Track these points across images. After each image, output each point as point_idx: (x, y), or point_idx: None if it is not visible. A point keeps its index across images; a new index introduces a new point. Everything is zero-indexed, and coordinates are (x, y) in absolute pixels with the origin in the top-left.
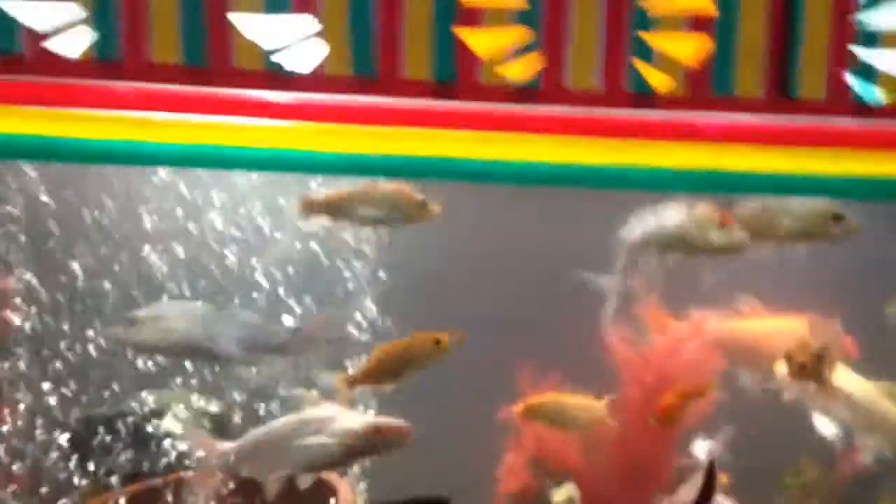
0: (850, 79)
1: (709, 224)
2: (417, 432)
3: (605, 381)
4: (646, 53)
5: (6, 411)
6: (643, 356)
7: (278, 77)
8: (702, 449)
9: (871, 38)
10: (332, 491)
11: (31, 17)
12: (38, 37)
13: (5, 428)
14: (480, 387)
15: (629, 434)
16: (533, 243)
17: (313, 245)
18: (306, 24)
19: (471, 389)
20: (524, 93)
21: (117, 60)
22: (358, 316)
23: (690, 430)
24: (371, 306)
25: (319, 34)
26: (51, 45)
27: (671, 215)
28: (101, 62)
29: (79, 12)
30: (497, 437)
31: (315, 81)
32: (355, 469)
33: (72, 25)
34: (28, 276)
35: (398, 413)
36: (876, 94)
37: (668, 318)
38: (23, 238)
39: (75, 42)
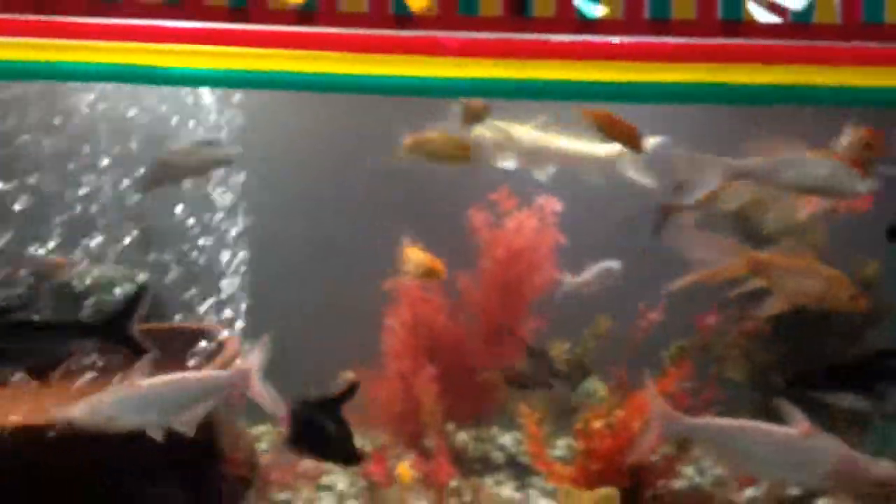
0: None
1: None
2: (317, 303)
3: (468, 256)
4: None
5: None
6: (497, 235)
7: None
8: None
9: None
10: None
11: None
12: None
13: None
14: (364, 265)
15: (485, 299)
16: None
17: None
18: None
19: (356, 267)
20: (302, 15)
21: None
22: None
23: (534, 301)
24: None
25: None
26: None
27: None
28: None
29: None
30: (380, 304)
31: (133, 6)
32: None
33: None
34: None
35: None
36: (595, 11)
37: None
38: None
39: None
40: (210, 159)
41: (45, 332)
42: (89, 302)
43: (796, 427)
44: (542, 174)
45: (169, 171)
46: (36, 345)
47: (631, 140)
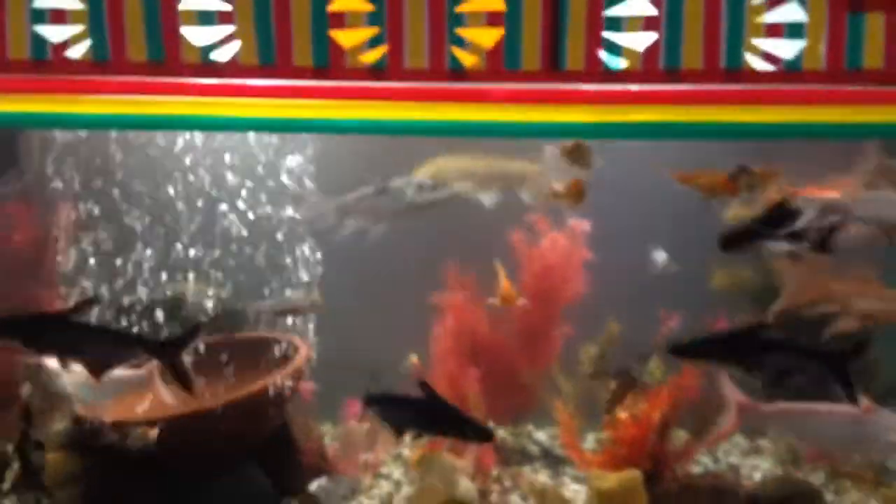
0: (602, 54)
1: None
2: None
3: (509, 271)
4: (459, 41)
5: None
6: (533, 252)
7: (209, 67)
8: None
9: (616, 24)
10: (295, 349)
11: (52, 33)
12: (58, 47)
13: None
14: (413, 280)
15: (523, 308)
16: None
17: None
18: (226, 30)
19: (406, 282)
20: (375, 72)
21: (104, 59)
22: None
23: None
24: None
25: (234, 35)
26: (68, 50)
27: None
28: (96, 62)
29: (79, 27)
30: (428, 315)
31: (234, 69)
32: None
33: (76, 39)
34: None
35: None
36: (619, 63)
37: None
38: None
39: (78, 48)
40: None
41: (104, 336)
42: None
43: (859, 406)
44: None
45: None
46: (96, 348)
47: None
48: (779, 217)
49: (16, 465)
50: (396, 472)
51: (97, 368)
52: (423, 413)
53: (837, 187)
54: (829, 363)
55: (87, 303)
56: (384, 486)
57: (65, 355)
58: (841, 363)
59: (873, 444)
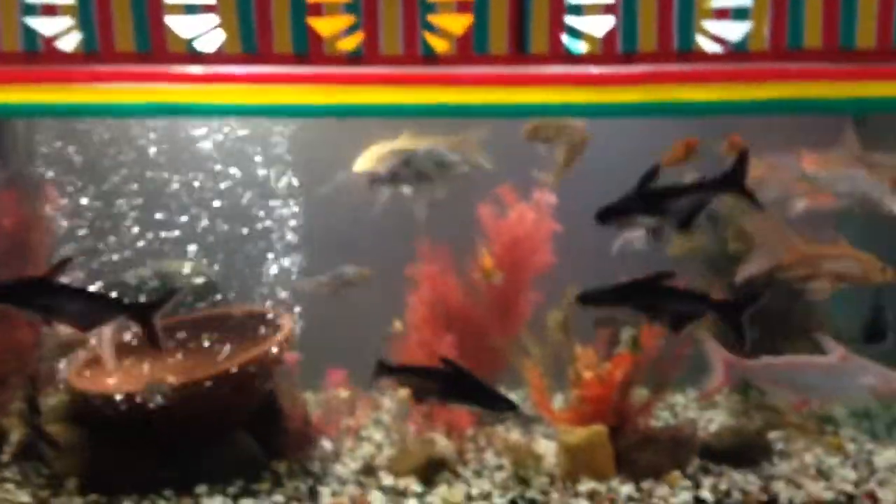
0: (564, 39)
1: None
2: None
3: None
4: (431, 28)
5: None
6: (501, 225)
7: (195, 56)
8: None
9: (578, 10)
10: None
11: (44, 26)
12: (49, 39)
13: None
14: (389, 254)
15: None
16: None
17: None
18: (211, 21)
19: (381, 256)
20: (352, 59)
21: (93, 51)
22: None
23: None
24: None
25: (219, 26)
26: (58, 42)
27: None
28: (87, 53)
29: (69, 20)
30: (404, 287)
31: (217, 57)
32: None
33: (66, 31)
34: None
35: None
36: (580, 47)
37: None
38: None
39: (68, 40)
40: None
41: (83, 297)
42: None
43: (834, 355)
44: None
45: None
46: (75, 307)
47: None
48: (650, 194)
49: (14, 438)
50: (377, 435)
51: (82, 325)
52: (448, 384)
53: (819, 162)
54: (724, 311)
55: (63, 263)
56: (366, 448)
57: (49, 315)
58: (734, 311)
59: (849, 388)
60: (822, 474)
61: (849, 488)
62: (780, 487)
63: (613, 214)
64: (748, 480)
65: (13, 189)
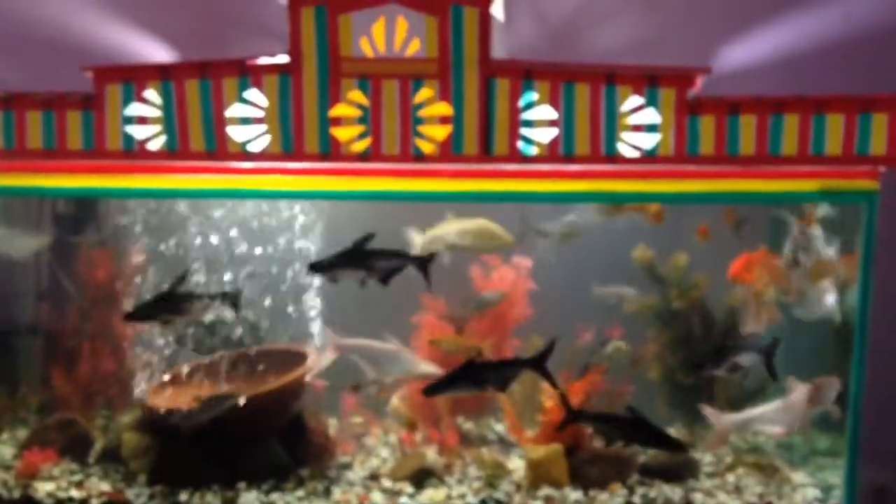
0: (519, 144)
1: None
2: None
3: (469, 295)
4: (420, 135)
5: None
6: (487, 283)
7: (248, 154)
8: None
9: (530, 123)
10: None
11: (138, 132)
12: (141, 141)
13: None
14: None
15: (480, 326)
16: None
17: None
18: (259, 129)
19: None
20: (362, 157)
21: (174, 150)
22: None
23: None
24: None
25: (265, 133)
26: (148, 144)
27: None
28: (169, 152)
29: (157, 128)
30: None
31: (263, 155)
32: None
33: (154, 135)
34: None
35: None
36: (531, 150)
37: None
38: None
39: (156, 142)
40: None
41: (192, 298)
42: None
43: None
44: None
45: None
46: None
47: None
48: (354, 254)
49: (98, 445)
50: (384, 452)
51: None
52: (632, 429)
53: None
54: (531, 364)
55: (181, 278)
56: (374, 461)
57: (176, 314)
58: (539, 362)
59: (803, 417)
60: (738, 489)
61: (753, 500)
62: (698, 498)
63: (325, 267)
64: (674, 492)
65: (105, 248)
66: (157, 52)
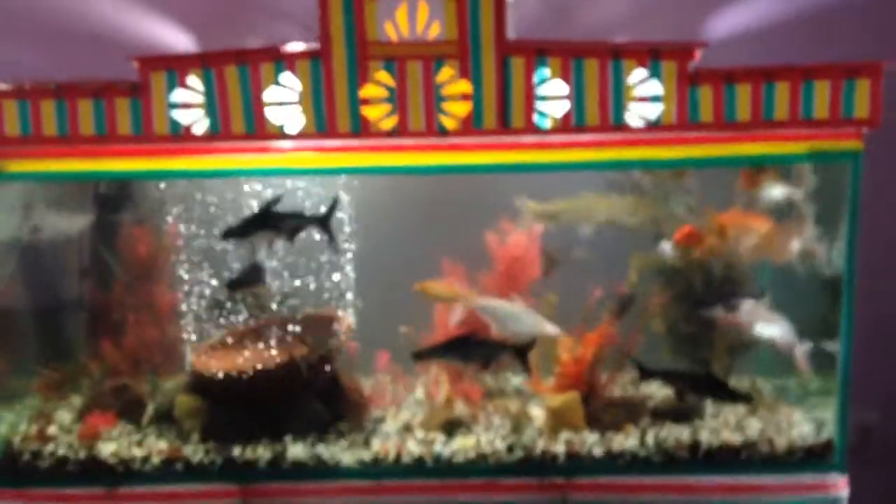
0: (535, 117)
1: None
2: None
3: (487, 262)
4: (444, 112)
5: None
6: (502, 248)
7: (284, 134)
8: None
9: (544, 98)
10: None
11: (183, 117)
12: (187, 126)
13: None
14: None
15: (497, 287)
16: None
17: None
18: (295, 111)
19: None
20: (390, 134)
21: (217, 133)
22: None
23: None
24: None
25: (301, 114)
26: (193, 128)
27: None
28: (212, 134)
29: (200, 112)
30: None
31: (299, 135)
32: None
33: (198, 120)
34: None
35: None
36: (546, 123)
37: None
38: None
39: (200, 126)
40: None
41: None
42: None
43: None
44: None
45: None
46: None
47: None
48: (262, 218)
49: (150, 408)
50: (415, 407)
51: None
52: (701, 383)
53: None
54: (516, 351)
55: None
56: (405, 415)
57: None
58: (523, 351)
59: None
60: (738, 426)
61: (754, 435)
62: (704, 436)
63: (237, 232)
64: (681, 431)
65: (145, 226)
66: (178, 39)
